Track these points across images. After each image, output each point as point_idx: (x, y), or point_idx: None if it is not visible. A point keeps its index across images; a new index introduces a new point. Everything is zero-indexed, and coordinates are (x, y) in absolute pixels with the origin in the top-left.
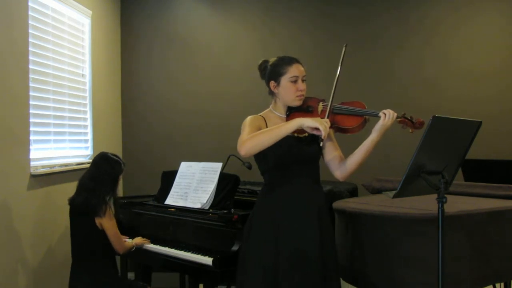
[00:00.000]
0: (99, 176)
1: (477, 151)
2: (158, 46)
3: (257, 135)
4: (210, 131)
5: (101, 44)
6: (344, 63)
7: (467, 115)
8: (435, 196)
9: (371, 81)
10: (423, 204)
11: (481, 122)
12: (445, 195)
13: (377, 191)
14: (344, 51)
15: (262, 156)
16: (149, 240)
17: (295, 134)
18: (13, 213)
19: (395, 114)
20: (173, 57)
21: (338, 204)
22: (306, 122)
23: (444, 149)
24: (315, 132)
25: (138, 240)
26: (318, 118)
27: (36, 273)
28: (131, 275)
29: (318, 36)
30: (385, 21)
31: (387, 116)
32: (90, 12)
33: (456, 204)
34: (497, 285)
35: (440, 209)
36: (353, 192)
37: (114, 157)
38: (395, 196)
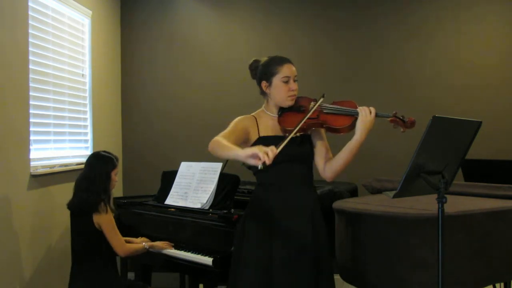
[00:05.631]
0: (92, 175)
1: (477, 151)
2: (158, 46)
3: (219, 144)
4: (211, 131)
5: (101, 44)
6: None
7: (468, 115)
8: (435, 196)
9: (372, 82)
10: (423, 204)
11: (481, 122)
12: (445, 195)
13: (377, 191)
14: (321, 100)
15: None
16: (172, 245)
17: (286, 134)
18: (13, 213)
19: (374, 111)
20: (173, 57)
21: (338, 204)
22: (241, 153)
23: (444, 149)
24: (252, 162)
25: (159, 244)
26: (257, 146)
27: (36, 273)
28: (131, 275)
29: (317, 36)
30: (385, 22)
31: (364, 113)
32: (90, 12)
33: (456, 204)
34: (497, 285)
35: (440, 209)
36: (353, 192)
37: (106, 154)
38: (395, 196)
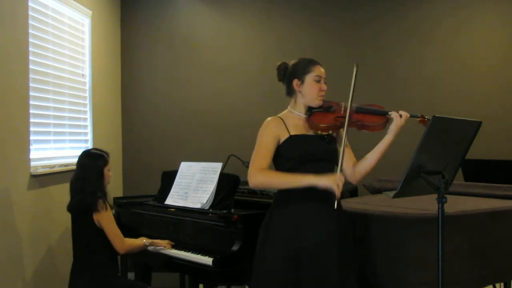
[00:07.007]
0: (84, 174)
1: (477, 151)
2: (157, 46)
3: (270, 177)
4: (210, 131)
5: (101, 44)
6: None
7: (468, 115)
8: (435, 196)
9: (372, 81)
10: (423, 204)
11: (481, 122)
12: (445, 195)
13: (377, 191)
14: (356, 72)
15: (282, 157)
16: (171, 244)
17: (318, 132)
18: (13, 213)
19: (408, 115)
20: (173, 57)
21: None
22: (320, 182)
23: (444, 149)
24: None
25: (159, 241)
26: (331, 177)
27: (36, 273)
28: (131, 275)
29: (316, 35)
30: (385, 21)
31: (403, 117)
32: (90, 12)
33: (456, 204)
34: (497, 285)
35: (440, 209)
36: (353, 192)
37: (96, 152)
38: (395, 196)
